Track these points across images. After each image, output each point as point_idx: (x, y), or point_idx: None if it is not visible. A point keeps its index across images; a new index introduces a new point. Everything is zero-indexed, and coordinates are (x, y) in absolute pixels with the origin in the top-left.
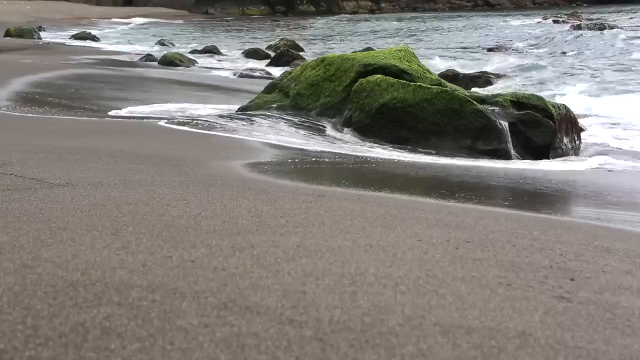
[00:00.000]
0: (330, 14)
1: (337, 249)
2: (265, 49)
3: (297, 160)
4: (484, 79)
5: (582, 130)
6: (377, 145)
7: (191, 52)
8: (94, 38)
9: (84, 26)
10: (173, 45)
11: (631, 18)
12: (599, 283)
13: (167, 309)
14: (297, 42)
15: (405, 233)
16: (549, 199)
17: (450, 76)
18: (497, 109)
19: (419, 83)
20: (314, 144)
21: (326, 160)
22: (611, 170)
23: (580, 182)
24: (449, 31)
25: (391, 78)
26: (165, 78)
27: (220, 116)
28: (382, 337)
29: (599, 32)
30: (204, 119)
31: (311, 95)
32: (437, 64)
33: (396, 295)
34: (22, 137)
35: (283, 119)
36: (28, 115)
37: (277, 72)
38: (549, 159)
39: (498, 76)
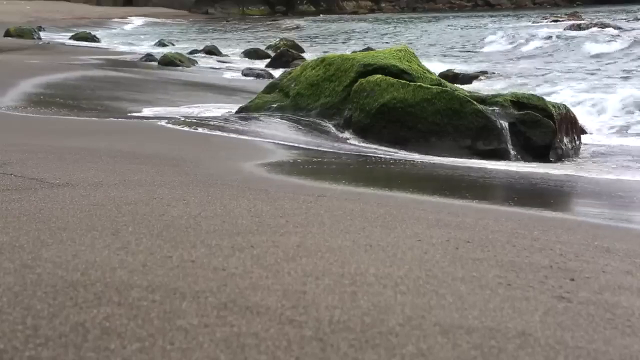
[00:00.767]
0: (330, 14)
1: (337, 249)
2: (265, 49)
3: (298, 160)
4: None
5: (583, 131)
6: (377, 144)
7: (191, 52)
8: (94, 38)
9: (84, 26)
10: (173, 45)
11: (635, 19)
12: (599, 283)
13: (167, 309)
14: (296, 42)
15: (405, 233)
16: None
17: (451, 76)
18: (497, 109)
19: (419, 83)
20: (314, 144)
21: (326, 160)
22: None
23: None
24: (444, 32)
25: (391, 78)
26: (166, 79)
27: (220, 116)
28: (382, 337)
29: (599, 31)
30: (204, 119)
31: (311, 95)
32: (436, 65)
33: (396, 295)
34: (22, 137)
35: (283, 119)
36: (28, 115)
37: (277, 72)
38: (549, 159)
39: (499, 76)
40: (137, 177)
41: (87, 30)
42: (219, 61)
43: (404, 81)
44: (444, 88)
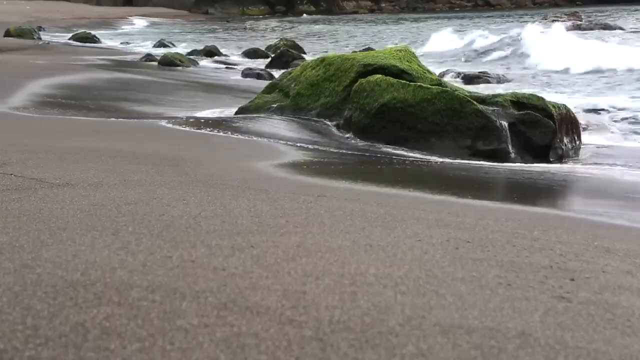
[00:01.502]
0: (330, 14)
1: (337, 249)
2: (265, 49)
3: (298, 160)
4: (483, 79)
5: (584, 129)
6: (377, 144)
7: (191, 53)
8: (94, 38)
9: (84, 27)
10: (173, 45)
11: (637, 18)
12: (599, 283)
13: (167, 309)
14: (296, 41)
15: (405, 233)
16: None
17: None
18: (497, 109)
19: (419, 83)
20: (313, 144)
21: (326, 160)
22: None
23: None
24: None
25: (391, 78)
26: (166, 81)
27: (220, 117)
28: (382, 337)
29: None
30: (203, 119)
31: (311, 95)
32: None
33: (396, 295)
34: (22, 137)
35: (283, 119)
36: (28, 114)
37: (277, 72)
38: (549, 159)
39: (498, 78)
40: (137, 177)
41: (87, 30)
42: (219, 61)
43: (404, 81)
44: (444, 88)
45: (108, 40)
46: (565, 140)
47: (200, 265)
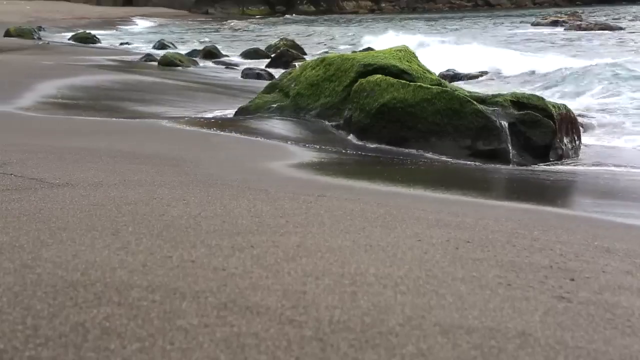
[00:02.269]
0: (330, 14)
1: (337, 249)
2: (265, 49)
3: (298, 160)
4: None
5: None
6: (377, 144)
7: (191, 53)
8: (94, 38)
9: (84, 27)
10: (173, 45)
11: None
12: (599, 283)
13: (167, 309)
14: (296, 41)
15: (405, 233)
16: None
17: (451, 76)
18: (497, 109)
19: (419, 83)
20: (313, 144)
21: (326, 160)
22: None
23: None
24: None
25: (391, 78)
26: (166, 81)
27: (220, 117)
28: (382, 337)
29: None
30: (203, 119)
31: (311, 95)
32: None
33: (396, 295)
34: (22, 137)
35: (283, 119)
36: (26, 114)
37: (277, 72)
38: (549, 159)
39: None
40: (137, 177)
41: (87, 30)
42: (219, 62)
43: (404, 81)
44: (444, 88)
45: (108, 40)
46: (565, 140)
47: (200, 265)
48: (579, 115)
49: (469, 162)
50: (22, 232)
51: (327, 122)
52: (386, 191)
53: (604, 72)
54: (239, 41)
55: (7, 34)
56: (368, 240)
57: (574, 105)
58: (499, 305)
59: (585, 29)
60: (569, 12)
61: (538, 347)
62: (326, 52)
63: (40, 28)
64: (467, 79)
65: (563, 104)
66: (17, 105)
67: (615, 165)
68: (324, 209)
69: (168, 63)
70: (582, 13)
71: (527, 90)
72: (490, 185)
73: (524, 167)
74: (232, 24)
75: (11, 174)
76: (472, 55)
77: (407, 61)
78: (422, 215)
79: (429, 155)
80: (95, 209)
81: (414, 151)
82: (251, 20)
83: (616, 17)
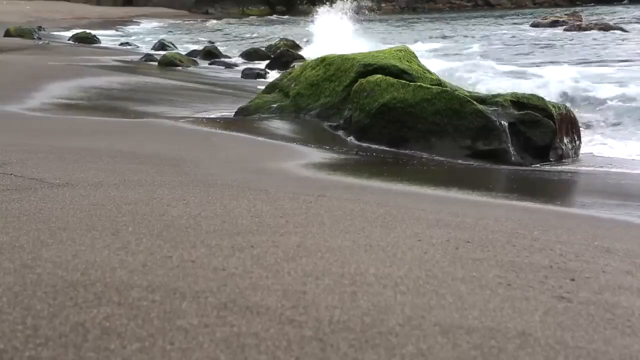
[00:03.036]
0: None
1: (337, 249)
2: (265, 49)
3: (298, 160)
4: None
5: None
6: (377, 144)
7: (191, 53)
8: (94, 38)
9: (84, 27)
10: (173, 46)
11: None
12: (599, 283)
13: (167, 309)
14: (296, 41)
15: (405, 233)
16: None
17: None
18: (497, 109)
19: (419, 83)
20: (313, 144)
21: (326, 160)
22: None
23: None
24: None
25: (391, 78)
26: (166, 81)
27: (220, 117)
28: (382, 337)
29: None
30: (203, 119)
31: (311, 95)
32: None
33: (396, 295)
34: (21, 137)
35: (283, 119)
36: (27, 114)
37: (276, 72)
38: (549, 159)
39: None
40: (137, 177)
41: (87, 30)
42: (218, 62)
43: (404, 81)
44: (444, 88)
45: (108, 40)
46: (565, 140)
47: (200, 265)
48: None
49: (469, 162)
50: (22, 232)
51: (327, 122)
52: (386, 191)
53: None
54: (239, 41)
55: (7, 34)
56: (368, 240)
57: None
58: (499, 305)
59: (585, 29)
60: (568, 12)
61: (538, 347)
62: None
63: (40, 28)
64: None
65: (563, 104)
66: (21, 106)
67: (616, 166)
68: (324, 209)
69: (168, 63)
70: (582, 13)
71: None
72: (490, 185)
73: (524, 167)
74: (207, 24)
75: (11, 174)
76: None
77: (407, 61)
78: (422, 215)
79: (429, 155)
80: (95, 209)
81: (414, 151)
82: (231, 19)
83: (617, 17)
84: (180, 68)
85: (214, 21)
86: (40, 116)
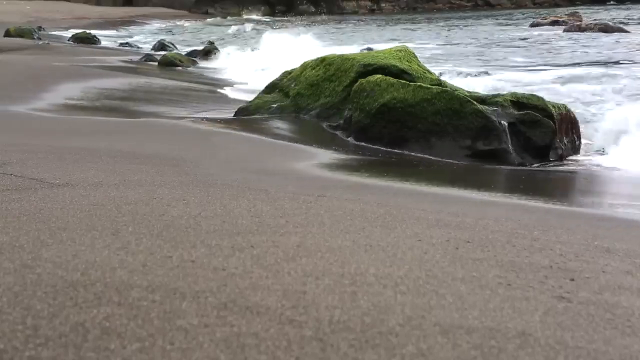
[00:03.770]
0: (330, 14)
1: (337, 249)
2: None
3: (298, 160)
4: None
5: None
6: (377, 144)
7: (191, 53)
8: (94, 39)
9: (84, 27)
10: (173, 46)
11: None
12: (599, 283)
13: (167, 309)
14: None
15: (405, 233)
16: None
17: None
18: (497, 109)
19: (419, 83)
20: (313, 144)
21: (326, 160)
22: None
23: None
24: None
25: (391, 78)
26: (166, 81)
27: (220, 117)
28: (382, 337)
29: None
30: (204, 120)
31: (311, 95)
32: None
33: (396, 295)
34: (21, 137)
35: (282, 119)
36: (30, 113)
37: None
38: (549, 159)
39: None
40: (137, 177)
41: (87, 30)
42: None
43: (404, 81)
44: (443, 88)
45: (108, 40)
46: (565, 140)
47: (200, 265)
48: None
49: (469, 162)
50: (22, 232)
51: (327, 122)
52: (386, 191)
53: None
54: (239, 41)
55: (7, 34)
56: (368, 240)
57: None
58: (499, 305)
59: (584, 30)
60: (569, 12)
61: (538, 347)
62: None
63: (40, 28)
64: None
65: (563, 104)
66: (26, 107)
67: (615, 166)
68: (324, 209)
69: (168, 63)
70: (582, 13)
71: None
72: (491, 185)
73: (524, 167)
74: (186, 24)
75: (11, 174)
76: None
77: (407, 61)
78: (422, 215)
79: (429, 155)
80: (95, 209)
81: (414, 151)
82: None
83: (617, 17)
84: (180, 68)
85: (189, 23)
86: (40, 115)
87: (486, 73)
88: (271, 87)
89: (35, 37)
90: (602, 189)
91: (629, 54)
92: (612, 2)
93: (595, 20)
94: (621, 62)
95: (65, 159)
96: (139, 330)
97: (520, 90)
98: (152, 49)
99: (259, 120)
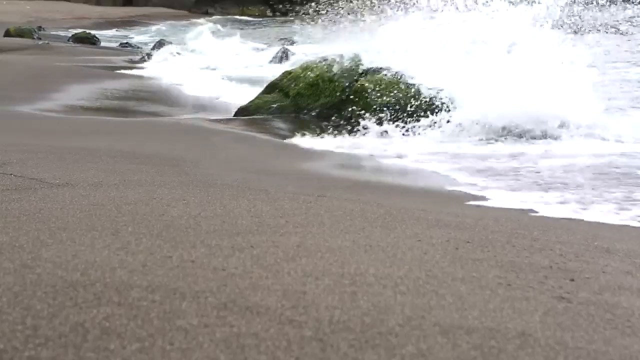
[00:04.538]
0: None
1: (337, 249)
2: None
3: (298, 160)
4: None
5: None
6: None
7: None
8: (94, 39)
9: (84, 27)
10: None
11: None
12: (599, 283)
13: (167, 309)
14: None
15: (405, 233)
16: None
17: None
18: None
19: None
20: (313, 143)
21: (326, 160)
22: None
23: None
24: None
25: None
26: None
27: (220, 117)
28: (382, 337)
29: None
30: (204, 120)
31: (311, 95)
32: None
33: (396, 296)
34: (21, 137)
35: (282, 118)
36: (30, 112)
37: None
38: None
39: None
40: (137, 177)
41: (87, 30)
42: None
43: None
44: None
45: (108, 40)
46: None
47: (200, 265)
48: None
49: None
50: (22, 232)
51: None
52: (386, 191)
53: None
54: (240, 40)
55: (7, 33)
56: (368, 240)
57: None
58: (499, 306)
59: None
60: None
61: (538, 347)
62: None
63: (40, 28)
64: None
65: None
66: (26, 107)
67: None
68: (324, 209)
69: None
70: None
71: None
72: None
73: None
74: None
75: (11, 174)
76: None
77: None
78: (422, 215)
79: None
80: (95, 209)
81: None
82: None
83: (616, 17)
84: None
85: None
86: (40, 115)
87: None
88: (271, 87)
89: (35, 37)
90: None
91: None
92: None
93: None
94: None
95: (65, 159)
96: (139, 331)
97: None
98: (152, 48)
99: (259, 120)
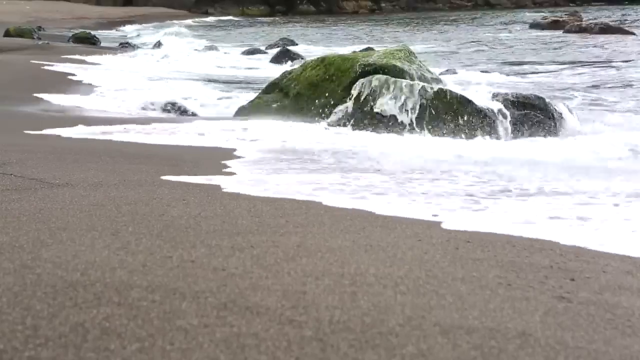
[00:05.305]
0: (330, 14)
1: (337, 249)
2: (265, 48)
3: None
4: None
5: None
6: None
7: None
8: (94, 39)
9: (84, 27)
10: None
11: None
12: (599, 283)
13: (167, 309)
14: (296, 41)
15: (405, 233)
16: None
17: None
18: (496, 108)
19: (419, 82)
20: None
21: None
22: None
23: None
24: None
25: (391, 78)
26: None
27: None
28: (382, 337)
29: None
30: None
31: (311, 95)
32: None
33: (396, 296)
34: (22, 137)
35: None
36: (30, 112)
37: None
38: None
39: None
40: (137, 177)
41: (87, 30)
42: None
43: None
44: (442, 88)
45: (108, 41)
46: None
47: (200, 265)
48: None
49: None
50: (22, 232)
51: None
52: None
53: None
54: (239, 40)
55: (7, 33)
56: (368, 240)
57: None
58: (499, 306)
59: (585, 30)
60: (568, 13)
61: (538, 347)
62: None
63: (40, 28)
64: None
65: (562, 104)
66: (25, 107)
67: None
68: (324, 209)
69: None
70: (582, 13)
71: None
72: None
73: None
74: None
75: (11, 174)
76: None
77: (407, 61)
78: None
79: None
80: (95, 209)
81: None
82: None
83: (617, 17)
84: None
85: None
86: (39, 115)
87: (486, 72)
88: (271, 87)
89: (35, 37)
90: None
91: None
92: (626, 2)
93: (595, 20)
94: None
95: (65, 159)
96: (139, 331)
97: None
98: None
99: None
